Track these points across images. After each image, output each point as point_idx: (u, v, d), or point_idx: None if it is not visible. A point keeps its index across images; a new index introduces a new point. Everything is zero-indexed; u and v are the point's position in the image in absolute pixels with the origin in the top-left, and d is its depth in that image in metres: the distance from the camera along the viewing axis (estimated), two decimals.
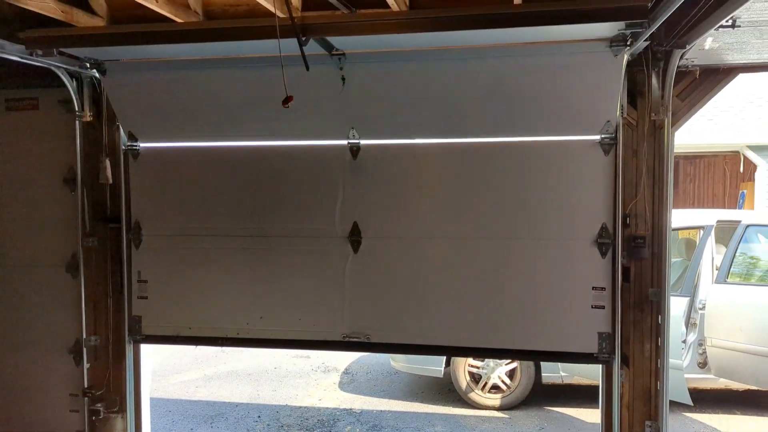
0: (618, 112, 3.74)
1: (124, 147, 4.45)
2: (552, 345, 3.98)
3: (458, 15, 3.30)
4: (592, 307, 3.88)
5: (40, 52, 3.75)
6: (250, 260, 4.34)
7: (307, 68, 3.20)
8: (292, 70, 3.24)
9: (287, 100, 3.14)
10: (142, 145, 4.45)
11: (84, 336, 4.53)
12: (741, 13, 2.98)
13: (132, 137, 4.43)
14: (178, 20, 3.65)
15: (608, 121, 3.75)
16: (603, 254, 3.87)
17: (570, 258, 3.91)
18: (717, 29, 3.15)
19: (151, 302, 4.48)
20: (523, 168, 3.97)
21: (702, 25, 3.16)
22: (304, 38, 3.21)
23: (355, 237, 4.15)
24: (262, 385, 7.29)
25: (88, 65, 4.10)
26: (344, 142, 4.14)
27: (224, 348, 8.65)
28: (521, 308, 3.98)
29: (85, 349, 4.54)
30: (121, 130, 4.44)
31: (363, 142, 4.11)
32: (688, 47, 3.51)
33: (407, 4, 3.59)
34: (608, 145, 3.82)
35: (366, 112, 4.03)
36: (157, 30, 3.58)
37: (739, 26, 3.17)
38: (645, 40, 3.42)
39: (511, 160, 3.99)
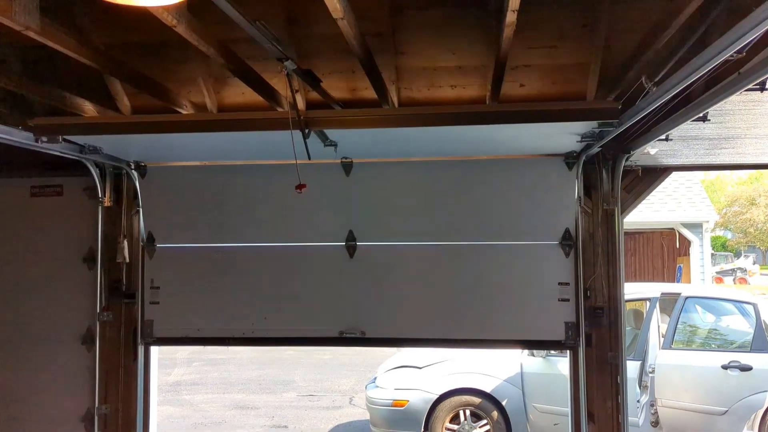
0: (578, 144, 4.26)
1: (131, 164, 4.72)
2: (526, 335, 4.58)
3: (441, 112, 3.66)
4: (559, 300, 4.48)
5: (45, 139, 3.85)
6: (256, 267, 4.71)
7: (309, 157, 3.57)
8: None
9: (300, 186, 3.52)
10: (149, 164, 4.77)
11: (96, 405, 4.81)
12: (672, 130, 3.79)
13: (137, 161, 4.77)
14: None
15: (572, 150, 4.41)
16: (566, 254, 4.50)
17: (539, 258, 4.52)
18: (655, 141, 3.96)
19: (162, 307, 4.76)
20: (503, 180, 4.59)
21: (643, 138, 3.97)
22: (307, 130, 3.63)
23: (350, 243, 4.63)
24: None
25: (89, 150, 4.26)
26: (338, 160, 4.57)
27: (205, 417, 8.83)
28: (501, 304, 4.53)
29: (96, 418, 4.81)
30: (141, 219, 4.82)
31: (355, 160, 4.63)
32: (632, 153, 4.32)
33: (396, 105, 4.08)
34: (571, 163, 4.49)
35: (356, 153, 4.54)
36: (168, 120, 3.82)
37: (671, 139, 4.00)
38: (598, 147, 4.18)
39: (493, 173, 4.58)
